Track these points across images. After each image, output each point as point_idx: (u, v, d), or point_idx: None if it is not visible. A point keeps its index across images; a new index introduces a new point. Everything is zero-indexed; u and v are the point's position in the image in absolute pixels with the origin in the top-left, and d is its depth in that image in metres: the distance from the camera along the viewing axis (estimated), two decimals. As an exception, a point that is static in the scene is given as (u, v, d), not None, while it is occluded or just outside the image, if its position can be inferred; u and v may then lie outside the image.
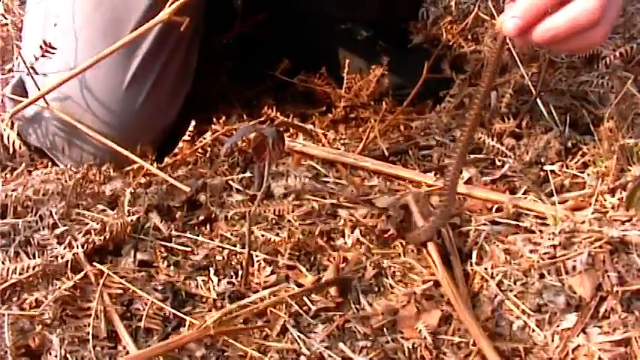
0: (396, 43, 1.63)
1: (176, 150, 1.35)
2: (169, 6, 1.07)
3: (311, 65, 1.57)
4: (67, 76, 1.21)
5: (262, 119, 1.44)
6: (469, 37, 1.68)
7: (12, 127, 1.25)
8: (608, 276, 1.10)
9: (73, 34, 1.36)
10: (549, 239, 1.16)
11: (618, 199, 1.23)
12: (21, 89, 1.39)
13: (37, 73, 1.33)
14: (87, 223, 1.20)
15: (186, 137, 1.35)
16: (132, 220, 1.20)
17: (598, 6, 0.99)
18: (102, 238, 1.16)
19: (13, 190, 1.26)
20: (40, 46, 1.32)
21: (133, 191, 1.26)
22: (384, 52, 1.58)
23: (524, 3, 1.01)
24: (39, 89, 1.28)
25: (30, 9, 1.44)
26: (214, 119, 1.42)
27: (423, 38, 1.63)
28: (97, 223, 1.20)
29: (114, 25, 1.37)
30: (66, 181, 1.29)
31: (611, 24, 1.02)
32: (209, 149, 1.37)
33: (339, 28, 1.62)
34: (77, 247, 1.14)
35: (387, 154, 1.38)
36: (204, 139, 1.36)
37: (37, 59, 1.33)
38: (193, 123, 1.36)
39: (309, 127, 1.47)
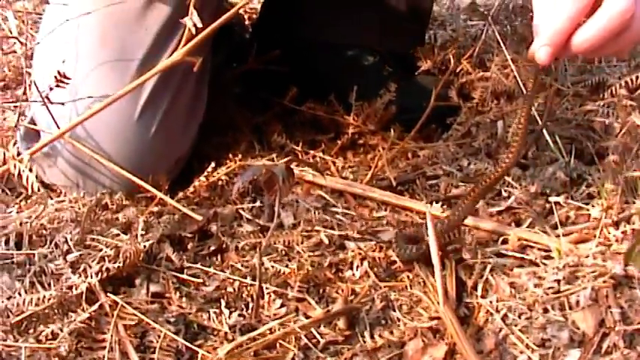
0: (403, 68, 1.65)
1: (191, 188, 1.37)
2: (182, 47, 1.10)
3: (319, 93, 1.60)
4: (86, 115, 1.23)
5: (271, 155, 1.46)
6: (477, 63, 1.71)
7: (29, 168, 1.28)
8: (610, 312, 1.12)
9: (81, 66, 1.38)
10: (554, 273, 1.18)
11: (622, 232, 1.25)
12: (32, 123, 1.41)
13: (51, 102, 1.35)
14: (101, 249, 1.23)
15: (202, 178, 1.37)
16: (145, 247, 1.23)
17: (628, 7, 0.99)
18: (116, 265, 1.19)
19: (28, 219, 1.28)
20: (55, 76, 1.34)
21: (146, 219, 1.29)
22: (391, 77, 1.61)
23: (551, 28, 1.02)
24: (58, 127, 1.30)
25: (39, 43, 1.46)
26: (227, 153, 1.45)
27: (430, 65, 1.65)
28: (111, 249, 1.22)
29: (122, 57, 1.40)
30: (80, 209, 1.32)
31: None
32: (221, 182, 1.39)
33: (345, 54, 1.65)
34: (91, 276, 1.17)
35: (394, 184, 1.40)
36: (218, 173, 1.39)
37: (51, 89, 1.35)
38: (213, 164, 1.39)
39: (319, 154, 1.50)
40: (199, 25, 1.11)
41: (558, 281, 1.17)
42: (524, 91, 1.49)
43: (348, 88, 1.56)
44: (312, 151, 1.51)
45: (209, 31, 1.14)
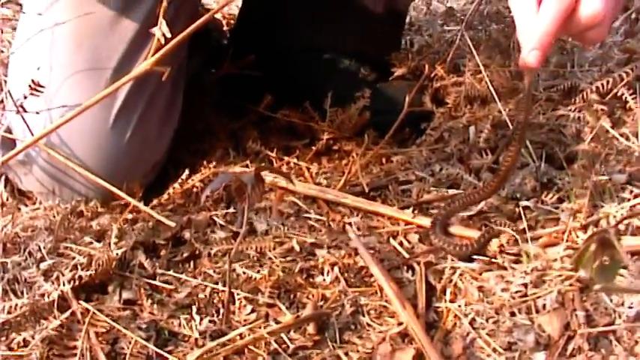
0: (379, 72, 1.67)
1: (165, 195, 1.39)
2: (151, 55, 1.11)
3: (295, 98, 1.61)
4: (59, 122, 1.24)
5: (246, 162, 1.47)
6: (451, 68, 1.72)
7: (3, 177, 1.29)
8: (576, 315, 1.13)
9: (56, 74, 1.40)
10: (521, 277, 1.20)
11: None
12: (8, 132, 1.43)
13: (25, 111, 1.36)
14: (74, 257, 1.24)
15: (176, 185, 1.39)
16: (117, 255, 1.24)
17: (602, 10, 1.08)
18: (88, 273, 1.20)
19: (4, 227, 1.30)
20: (29, 85, 1.35)
21: (119, 227, 1.30)
22: (367, 80, 1.62)
23: (538, 32, 1.09)
24: (32, 134, 1.31)
25: (14, 51, 1.48)
26: (202, 159, 1.46)
27: (405, 70, 1.66)
28: (84, 257, 1.24)
29: (96, 65, 1.41)
30: (54, 217, 1.33)
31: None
32: (195, 189, 1.40)
33: (322, 57, 1.66)
34: (64, 284, 1.18)
35: (367, 189, 1.41)
36: (192, 180, 1.40)
37: (25, 98, 1.36)
38: (187, 172, 1.40)
39: (294, 160, 1.52)
40: (168, 35, 1.12)
41: (526, 285, 1.19)
42: (496, 97, 1.50)
43: (324, 91, 1.58)
44: (286, 158, 1.53)
45: (178, 41, 1.14)
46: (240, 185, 1.12)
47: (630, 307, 1.13)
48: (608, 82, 1.55)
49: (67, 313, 1.15)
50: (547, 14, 1.09)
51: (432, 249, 1.27)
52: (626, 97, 1.53)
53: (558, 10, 1.09)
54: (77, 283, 1.19)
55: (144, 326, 1.16)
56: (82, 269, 1.20)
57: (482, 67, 1.55)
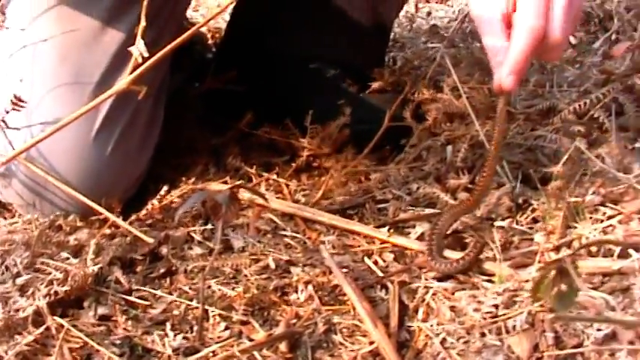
0: (363, 83, 1.69)
1: (144, 211, 1.40)
2: (129, 74, 1.12)
3: (278, 110, 1.63)
4: (41, 137, 1.26)
5: (225, 178, 1.49)
6: (431, 84, 1.74)
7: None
8: (545, 336, 1.15)
9: (39, 88, 1.41)
10: (493, 298, 1.21)
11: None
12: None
13: (8, 127, 1.38)
14: (50, 273, 1.25)
15: (155, 201, 1.40)
16: (93, 271, 1.25)
17: (565, 40, 1.18)
18: (64, 288, 1.21)
19: (-20, 241, 1.31)
20: (11, 100, 1.37)
21: (97, 242, 1.32)
22: (351, 90, 1.64)
23: (513, 58, 1.15)
24: (13, 148, 1.33)
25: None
26: (182, 175, 1.48)
27: (384, 84, 1.67)
28: (60, 272, 1.25)
29: (80, 79, 1.42)
30: (33, 231, 1.34)
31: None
32: (174, 204, 1.42)
33: (307, 67, 1.68)
34: (39, 299, 1.19)
35: (342, 207, 1.43)
36: (171, 195, 1.41)
37: (7, 112, 1.37)
38: (165, 188, 1.41)
39: (273, 177, 1.53)
40: (145, 54, 1.13)
41: (497, 306, 1.20)
42: (473, 115, 1.52)
43: (309, 100, 1.60)
44: (266, 174, 1.54)
45: (158, 58, 1.16)
46: (215, 204, 1.13)
47: (599, 330, 1.14)
48: (585, 103, 1.57)
49: (42, 329, 1.16)
50: (521, 42, 1.15)
51: (406, 268, 1.28)
52: (602, 119, 1.55)
53: (531, 39, 1.15)
54: (53, 298, 1.20)
55: (118, 342, 1.16)
56: (58, 285, 1.21)
57: (459, 85, 1.57)
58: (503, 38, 1.18)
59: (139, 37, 1.14)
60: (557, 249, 1.30)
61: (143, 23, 1.14)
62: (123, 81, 1.13)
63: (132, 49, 1.14)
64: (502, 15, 1.19)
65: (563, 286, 0.75)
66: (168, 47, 1.18)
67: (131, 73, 1.12)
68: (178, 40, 1.21)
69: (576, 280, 0.74)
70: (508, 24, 1.19)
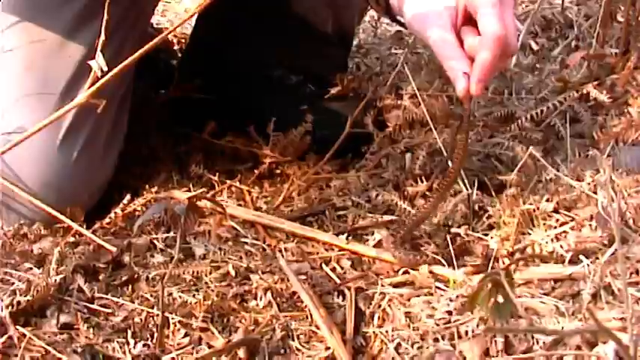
0: (325, 89, 1.71)
1: (107, 219, 1.42)
2: (87, 88, 1.15)
3: (242, 118, 1.65)
4: (7, 147, 1.27)
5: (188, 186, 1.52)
6: (393, 91, 1.77)
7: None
8: (495, 341, 1.18)
9: (4, 98, 1.43)
10: (446, 304, 1.25)
11: (516, 260, 1.31)
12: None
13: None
14: (13, 283, 1.28)
15: (118, 210, 1.42)
16: (56, 281, 1.27)
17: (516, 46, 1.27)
18: (27, 298, 1.24)
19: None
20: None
21: (61, 250, 1.34)
22: (313, 95, 1.67)
23: (482, 65, 1.22)
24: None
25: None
26: (146, 183, 1.50)
27: (345, 90, 1.70)
28: (23, 283, 1.27)
29: (45, 89, 1.44)
30: (-3, 241, 1.36)
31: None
32: (137, 212, 1.44)
33: (270, 74, 1.71)
34: (2, 309, 1.21)
35: (302, 214, 1.46)
36: (134, 204, 1.44)
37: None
38: (128, 197, 1.44)
39: (236, 184, 1.56)
40: (105, 68, 1.15)
41: (450, 312, 1.23)
42: (432, 123, 1.55)
43: (271, 107, 1.62)
44: (229, 181, 1.57)
45: (120, 69, 1.18)
46: (174, 214, 1.16)
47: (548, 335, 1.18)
48: (542, 110, 1.61)
49: (4, 338, 1.18)
50: (489, 50, 1.22)
51: (363, 274, 1.32)
52: (558, 127, 1.59)
53: (498, 47, 1.22)
54: (15, 308, 1.22)
55: (79, 350, 1.19)
56: (20, 295, 1.23)
57: (417, 93, 1.60)
58: (458, 47, 1.26)
59: (98, 51, 1.16)
60: (511, 255, 1.34)
61: (103, 37, 1.16)
62: (82, 95, 1.15)
63: (91, 62, 1.16)
64: (452, 25, 1.27)
65: (500, 298, 0.78)
66: (130, 59, 1.20)
67: (91, 86, 1.14)
68: (140, 51, 1.22)
69: (510, 292, 0.77)
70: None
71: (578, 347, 1.15)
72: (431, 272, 1.31)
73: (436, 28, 1.27)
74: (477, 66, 1.23)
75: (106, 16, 1.19)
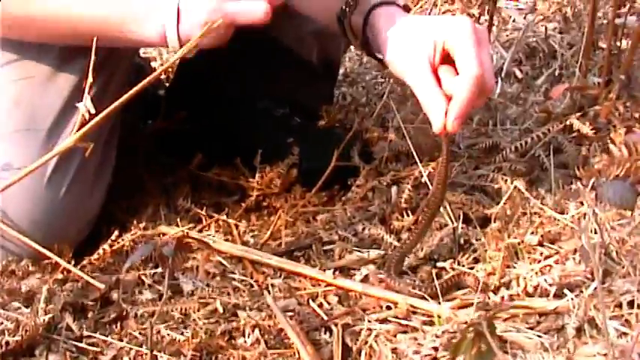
0: (312, 121, 1.73)
1: (95, 255, 1.43)
2: (75, 132, 1.16)
3: (227, 149, 1.66)
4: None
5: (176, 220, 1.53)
6: (378, 122, 1.80)
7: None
8: (481, 380, 1.19)
9: None
10: (432, 340, 1.26)
11: (500, 297, 1.33)
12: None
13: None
14: (1, 323, 1.28)
15: (106, 246, 1.43)
16: (44, 320, 1.28)
17: (493, 85, 1.33)
18: (15, 338, 1.24)
19: None
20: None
21: (49, 288, 1.34)
22: (300, 127, 1.69)
23: (460, 104, 1.27)
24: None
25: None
26: (134, 217, 1.51)
27: (332, 122, 1.72)
28: (12, 323, 1.28)
29: (33, 122, 1.45)
30: (-16, 280, 1.37)
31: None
32: (125, 248, 1.45)
33: (257, 105, 1.72)
34: (-10, 351, 1.22)
35: (288, 249, 1.47)
36: (122, 240, 1.44)
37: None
38: (116, 232, 1.45)
39: (223, 217, 1.57)
40: (92, 110, 1.16)
41: (436, 348, 1.25)
42: (417, 156, 1.57)
43: (257, 139, 1.64)
44: (216, 215, 1.58)
45: (106, 114, 1.19)
46: (162, 254, 1.17)
47: (533, 371, 1.20)
48: (526, 142, 1.63)
49: (-8, 380, 1.19)
50: (467, 89, 1.27)
51: (350, 310, 1.33)
52: (542, 158, 1.61)
53: (476, 86, 1.27)
54: (4, 348, 1.22)
55: (68, 390, 1.20)
56: (9, 335, 1.23)
57: (402, 126, 1.62)
58: (436, 86, 1.30)
59: (85, 93, 1.17)
60: (497, 289, 1.35)
61: (90, 79, 1.17)
62: (70, 139, 1.16)
63: (79, 105, 1.17)
64: (430, 64, 1.30)
65: (483, 346, 0.80)
66: (117, 103, 1.21)
67: (79, 128, 1.15)
68: (128, 94, 1.24)
69: (492, 342, 0.79)
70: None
71: (563, 384, 1.17)
72: (419, 308, 1.32)
73: (415, 69, 1.31)
74: (454, 104, 1.28)
75: (93, 56, 1.21)
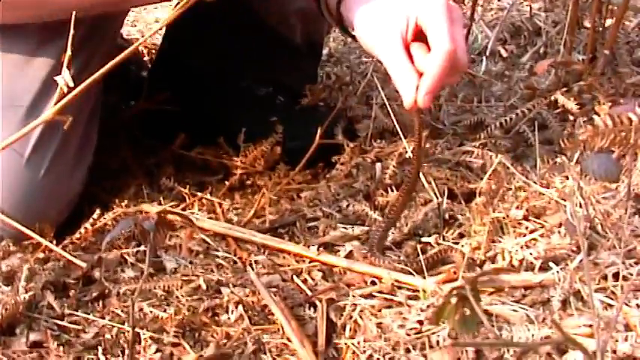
0: (295, 100, 1.72)
1: (77, 234, 1.42)
2: (55, 103, 1.14)
3: (210, 130, 1.65)
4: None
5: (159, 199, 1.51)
6: (363, 100, 1.79)
7: None
8: (466, 350, 1.18)
9: None
10: (417, 314, 1.25)
11: (482, 274, 1.32)
12: None
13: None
14: (-19, 302, 1.27)
15: (88, 225, 1.41)
16: (25, 299, 1.27)
17: (466, 62, 1.30)
18: (-4, 317, 1.23)
19: None
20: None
21: (30, 267, 1.33)
22: (283, 106, 1.67)
23: (432, 79, 1.25)
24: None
25: None
26: (117, 197, 1.50)
27: (316, 100, 1.70)
28: (-8, 302, 1.26)
29: (12, 100, 1.43)
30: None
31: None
32: (107, 227, 1.43)
33: (240, 85, 1.71)
34: (-30, 329, 1.21)
35: (272, 226, 1.46)
36: (104, 218, 1.43)
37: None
38: (98, 211, 1.43)
39: (207, 196, 1.56)
40: (71, 84, 1.15)
41: (421, 322, 1.24)
42: (401, 132, 1.56)
43: (240, 119, 1.62)
44: (199, 194, 1.56)
45: (86, 86, 1.18)
46: (144, 230, 1.16)
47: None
48: (511, 118, 1.62)
49: (-28, 359, 1.18)
50: (438, 65, 1.25)
51: (334, 286, 1.32)
52: (527, 133, 1.60)
53: (447, 61, 1.25)
54: (-16, 327, 1.21)
55: (49, 368, 1.19)
56: (-11, 313, 1.22)
57: (387, 102, 1.61)
58: (407, 62, 1.28)
59: (64, 66, 1.15)
60: (482, 264, 1.35)
61: (69, 52, 1.15)
62: (49, 111, 1.15)
63: (57, 78, 1.15)
64: (402, 39, 1.29)
65: (466, 311, 0.79)
66: (96, 74, 1.19)
67: (57, 102, 1.14)
68: (107, 66, 1.21)
69: (476, 306, 0.78)
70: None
71: (549, 355, 1.17)
72: (404, 283, 1.31)
73: (387, 45, 1.29)
74: (425, 79, 1.26)
75: (72, 31, 1.19)
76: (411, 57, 1.28)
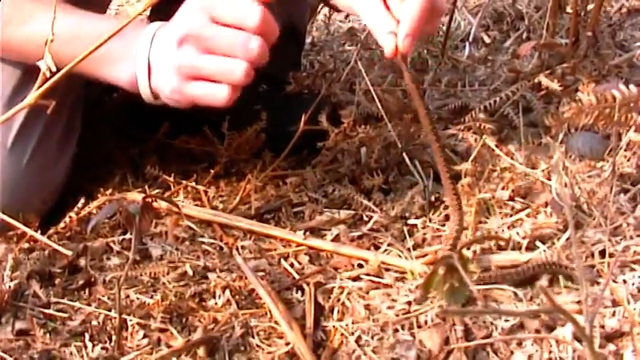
0: (279, 88, 1.71)
1: (62, 223, 1.41)
2: (35, 90, 1.13)
3: (195, 118, 1.64)
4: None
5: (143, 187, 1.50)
6: (346, 87, 1.78)
7: None
8: (455, 329, 1.18)
9: None
10: (405, 295, 1.25)
11: (472, 252, 1.32)
12: None
13: None
14: (-34, 291, 1.26)
15: (72, 214, 1.41)
16: (10, 287, 1.26)
17: (443, 5, 1.28)
18: (-19, 307, 1.22)
19: None
20: None
21: (15, 256, 1.32)
22: (267, 94, 1.67)
23: (410, 22, 1.22)
24: None
25: None
26: (101, 186, 1.49)
27: (300, 87, 1.70)
28: (-23, 291, 1.25)
29: None
30: (-51, 249, 1.34)
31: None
32: (92, 216, 1.43)
33: None
34: (-44, 319, 1.20)
35: (258, 212, 1.46)
36: (89, 207, 1.42)
37: None
38: (83, 200, 1.42)
39: (192, 184, 1.55)
40: (54, 68, 1.14)
41: (409, 302, 1.24)
42: (386, 117, 1.56)
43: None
44: (184, 181, 1.56)
45: (64, 73, 1.17)
46: (128, 214, 1.15)
47: (506, 321, 1.19)
48: (495, 101, 1.62)
49: (-42, 347, 1.17)
50: (416, 5, 1.23)
51: (322, 269, 1.31)
52: (511, 116, 1.60)
53: (425, 2, 1.23)
54: (-31, 316, 1.20)
55: (36, 356, 1.17)
56: (-26, 303, 1.21)
57: (371, 88, 1.60)
58: (384, 9, 1.25)
59: (46, 51, 1.14)
60: (469, 245, 1.34)
61: (51, 37, 1.14)
62: (32, 95, 1.14)
63: (39, 63, 1.14)
64: None
65: (455, 282, 0.78)
66: (79, 57, 1.18)
67: (40, 86, 1.13)
68: (90, 48, 1.21)
69: (465, 276, 0.77)
70: None
71: (537, 331, 1.17)
72: (391, 265, 1.31)
73: None
74: (403, 22, 1.23)
75: (53, 19, 1.18)
76: (388, 9, 1.26)
